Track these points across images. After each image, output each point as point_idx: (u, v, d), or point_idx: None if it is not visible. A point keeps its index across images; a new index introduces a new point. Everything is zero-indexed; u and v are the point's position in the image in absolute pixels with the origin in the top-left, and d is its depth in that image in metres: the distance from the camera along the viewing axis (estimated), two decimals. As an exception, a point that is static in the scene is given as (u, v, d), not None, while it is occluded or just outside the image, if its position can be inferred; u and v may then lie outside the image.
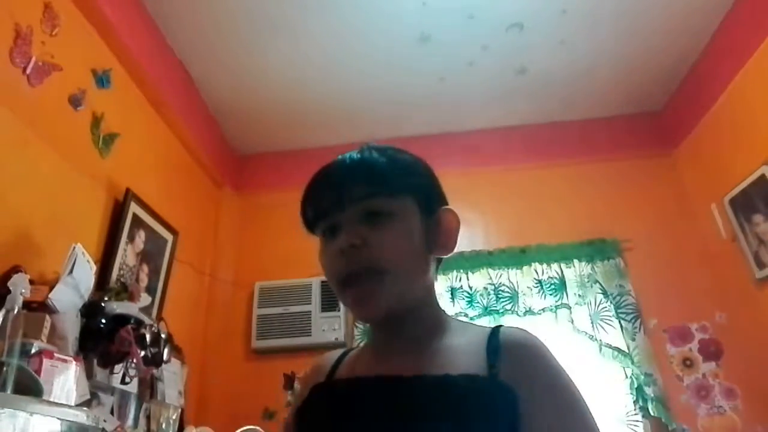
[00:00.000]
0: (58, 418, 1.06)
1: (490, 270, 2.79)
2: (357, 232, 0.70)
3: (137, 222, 2.11)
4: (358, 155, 0.76)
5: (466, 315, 2.68)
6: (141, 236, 2.14)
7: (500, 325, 0.74)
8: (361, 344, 0.84)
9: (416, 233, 0.73)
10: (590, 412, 0.66)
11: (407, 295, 0.72)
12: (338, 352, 0.85)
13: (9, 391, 0.99)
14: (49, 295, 1.35)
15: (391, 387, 0.68)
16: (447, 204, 0.79)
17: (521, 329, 0.73)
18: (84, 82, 1.87)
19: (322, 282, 2.71)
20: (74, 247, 1.49)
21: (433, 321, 0.76)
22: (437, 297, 0.79)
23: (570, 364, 0.70)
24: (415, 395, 0.65)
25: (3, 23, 1.51)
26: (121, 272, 1.97)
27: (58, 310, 1.36)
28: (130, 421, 1.80)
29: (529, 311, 2.67)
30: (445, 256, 0.78)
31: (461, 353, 0.70)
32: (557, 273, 2.73)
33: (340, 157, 0.77)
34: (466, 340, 0.73)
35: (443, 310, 0.79)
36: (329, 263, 0.73)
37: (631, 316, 2.61)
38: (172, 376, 2.11)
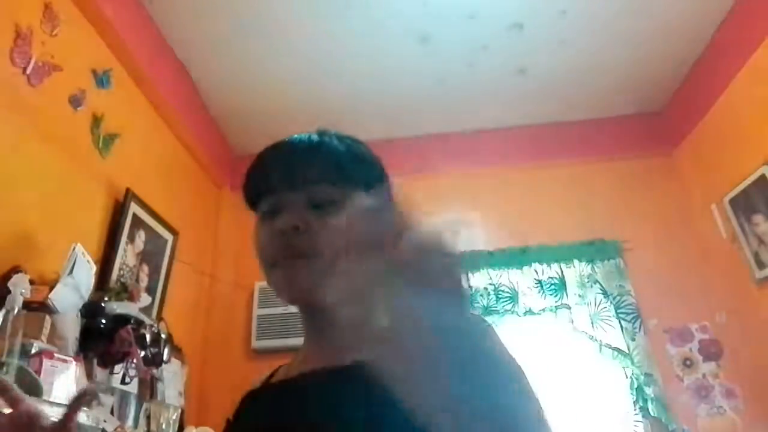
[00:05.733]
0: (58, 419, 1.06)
1: (490, 270, 2.79)
2: (301, 215, 0.65)
3: (137, 222, 2.11)
4: (317, 138, 0.71)
5: (466, 315, 2.67)
6: (141, 236, 2.14)
7: None
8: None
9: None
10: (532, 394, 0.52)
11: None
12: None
13: (9, 391, 0.99)
14: (49, 295, 1.35)
15: (321, 382, 0.60)
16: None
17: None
18: (84, 82, 1.87)
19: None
20: (74, 247, 1.49)
21: None
22: None
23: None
24: (349, 389, 0.56)
25: (3, 23, 1.51)
26: (121, 272, 1.97)
27: (58, 310, 1.36)
28: (130, 422, 1.80)
29: (529, 311, 2.67)
30: None
31: None
32: (557, 273, 2.73)
33: (296, 136, 0.72)
34: None
35: None
36: (265, 243, 0.68)
37: (631, 316, 2.61)
38: (172, 376, 2.11)
